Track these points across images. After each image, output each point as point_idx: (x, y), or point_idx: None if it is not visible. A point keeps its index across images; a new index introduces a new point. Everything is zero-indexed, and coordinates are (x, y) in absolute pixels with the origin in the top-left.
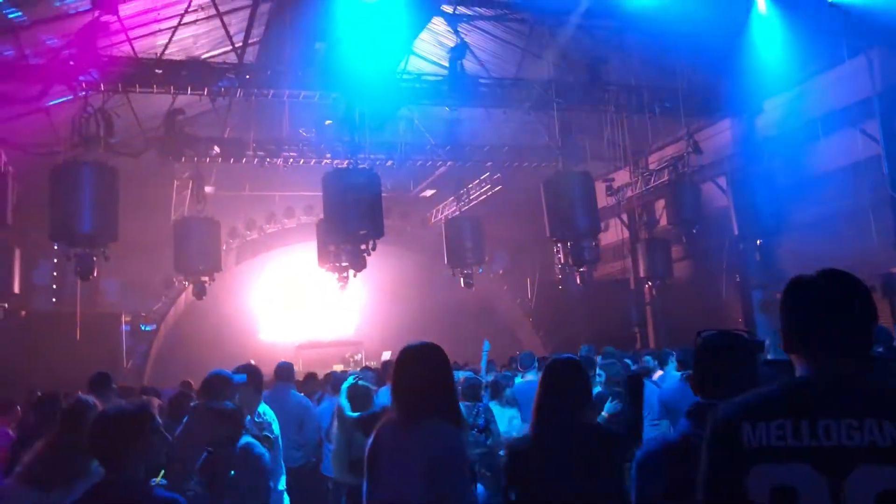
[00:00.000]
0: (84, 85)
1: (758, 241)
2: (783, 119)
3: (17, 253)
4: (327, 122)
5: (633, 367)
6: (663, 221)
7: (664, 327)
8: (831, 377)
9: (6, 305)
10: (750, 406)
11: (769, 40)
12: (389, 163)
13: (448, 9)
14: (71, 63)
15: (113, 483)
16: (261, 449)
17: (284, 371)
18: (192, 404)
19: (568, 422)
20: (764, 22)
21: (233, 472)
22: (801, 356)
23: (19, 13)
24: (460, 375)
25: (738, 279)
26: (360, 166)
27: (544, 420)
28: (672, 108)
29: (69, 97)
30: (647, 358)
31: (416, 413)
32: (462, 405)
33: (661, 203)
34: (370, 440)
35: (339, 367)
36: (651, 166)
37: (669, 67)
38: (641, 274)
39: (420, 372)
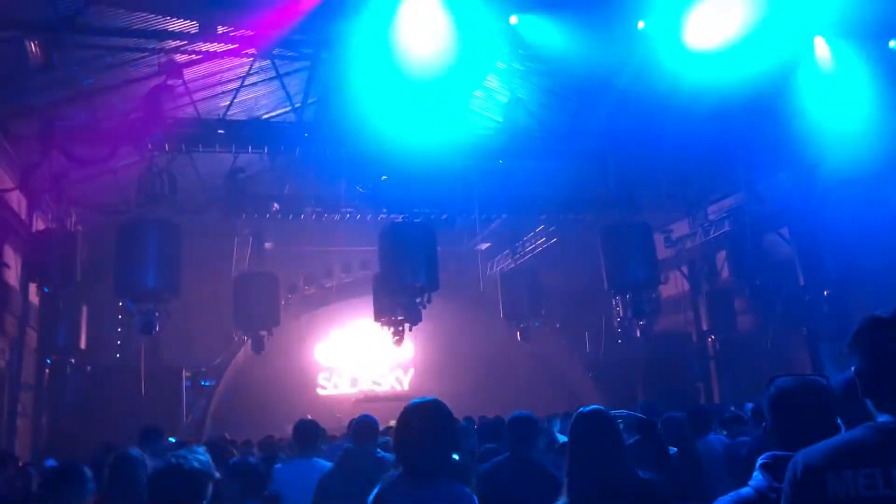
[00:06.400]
0: (150, 146)
1: (825, 292)
2: (848, 165)
3: (84, 310)
4: (383, 177)
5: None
6: (725, 273)
7: (728, 382)
8: None
9: (73, 361)
10: (833, 453)
11: (829, 87)
12: (444, 216)
13: (501, 65)
14: (138, 126)
15: None
16: None
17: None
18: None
19: (604, 473)
20: (822, 69)
21: None
22: (883, 401)
23: (91, 80)
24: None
25: (805, 332)
26: (415, 220)
27: (578, 473)
28: (730, 157)
29: (136, 158)
30: None
31: (428, 471)
32: None
33: (721, 254)
34: (372, 497)
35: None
36: (710, 217)
37: (727, 115)
38: (704, 327)
39: (429, 429)
